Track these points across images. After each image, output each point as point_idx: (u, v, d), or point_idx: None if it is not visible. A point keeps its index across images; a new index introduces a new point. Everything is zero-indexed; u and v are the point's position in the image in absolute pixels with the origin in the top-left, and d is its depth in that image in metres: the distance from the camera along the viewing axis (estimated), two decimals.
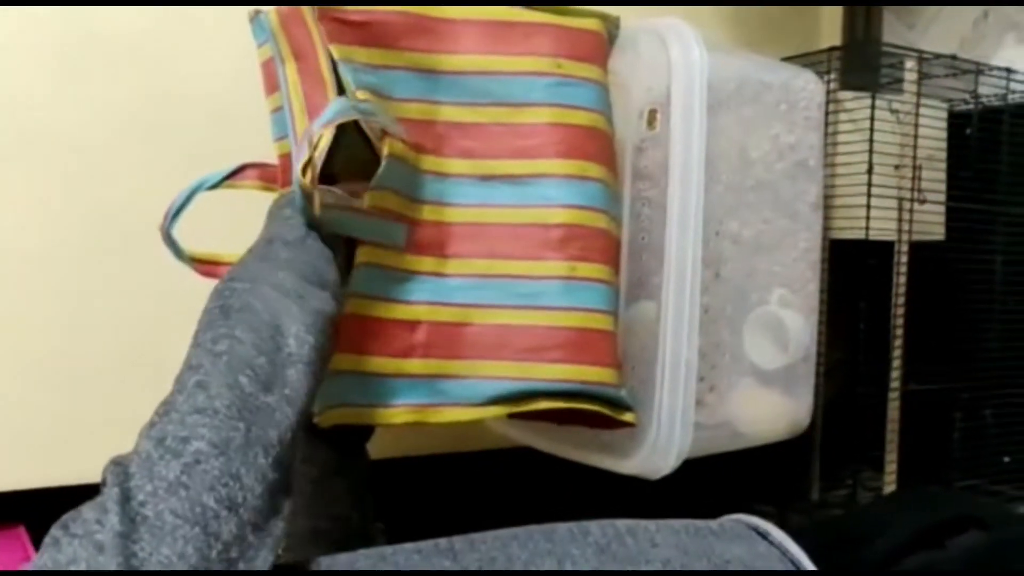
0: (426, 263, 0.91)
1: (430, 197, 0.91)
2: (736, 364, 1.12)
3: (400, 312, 0.89)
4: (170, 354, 1.13)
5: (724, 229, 1.10)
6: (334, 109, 0.84)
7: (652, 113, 1.05)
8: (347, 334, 0.86)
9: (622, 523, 0.79)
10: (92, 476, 1.08)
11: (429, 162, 0.92)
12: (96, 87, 1.10)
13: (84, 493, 1.07)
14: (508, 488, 1.40)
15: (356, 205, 0.86)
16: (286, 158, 1.00)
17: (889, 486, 1.24)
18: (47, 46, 1.08)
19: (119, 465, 0.58)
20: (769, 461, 1.25)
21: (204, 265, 1.01)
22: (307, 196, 0.81)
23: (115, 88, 1.11)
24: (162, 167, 1.13)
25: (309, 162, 0.80)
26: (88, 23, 1.10)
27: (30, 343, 1.07)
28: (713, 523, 0.83)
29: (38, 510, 1.09)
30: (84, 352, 1.10)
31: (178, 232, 0.93)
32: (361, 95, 0.86)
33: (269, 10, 0.96)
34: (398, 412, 0.89)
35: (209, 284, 1.00)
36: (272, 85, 1.00)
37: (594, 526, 0.78)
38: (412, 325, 0.89)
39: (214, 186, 0.95)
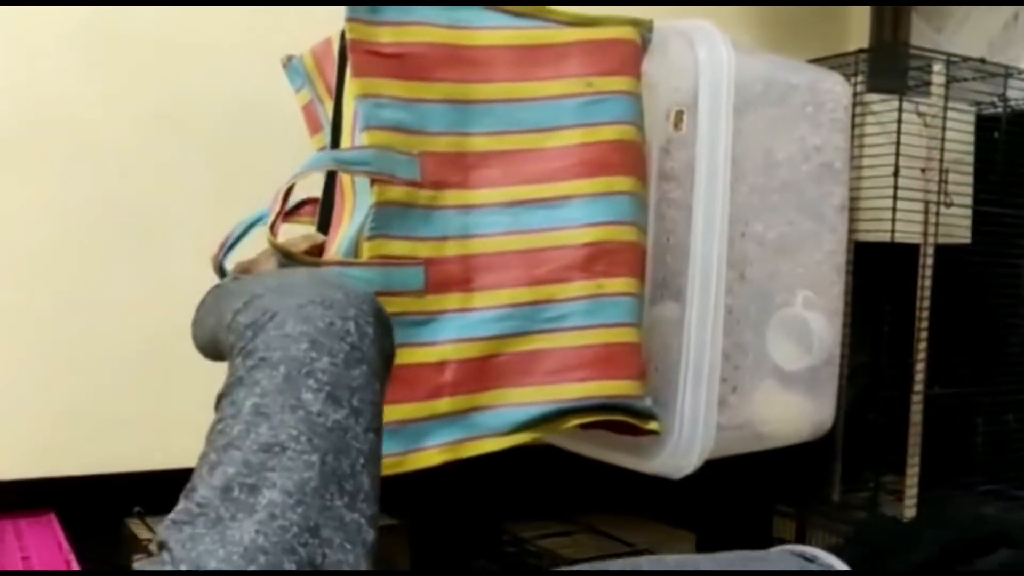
0: (451, 300, 0.90)
1: (453, 232, 0.90)
2: (759, 365, 1.12)
3: (425, 355, 0.88)
4: (193, 351, 1.16)
5: (749, 230, 1.10)
6: (309, 162, 0.84)
7: (679, 114, 1.06)
8: None
9: (672, 559, 0.79)
10: (119, 465, 1.11)
11: (453, 196, 0.90)
12: (120, 83, 1.12)
13: (112, 481, 1.10)
14: (533, 484, 1.40)
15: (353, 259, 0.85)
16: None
17: (911, 489, 1.24)
18: (72, 42, 1.10)
19: (180, 525, 0.52)
20: (790, 462, 1.26)
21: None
22: (283, 252, 0.81)
23: (139, 84, 1.13)
24: (186, 161, 1.14)
25: (276, 218, 0.80)
26: (114, 20, 1.12)
27: (59, 336, 1.09)
28: (761, 552, 0.83)
29: (68, 497, 1.12)
30: (114, 345, 1.12)
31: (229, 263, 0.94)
32: (370, 137, 0.85)
33: (303, 54, 0.96)
34: (432, 454, 0.89)
35: None
36: (315, 126, 1.01)
37: (644, 562, 0.77)
38: (439, 366, 0.89)
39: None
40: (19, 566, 0.94)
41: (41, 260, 1.08)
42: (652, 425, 0.97)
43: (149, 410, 1.13)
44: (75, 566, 0.94)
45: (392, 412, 0.86)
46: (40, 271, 1.08)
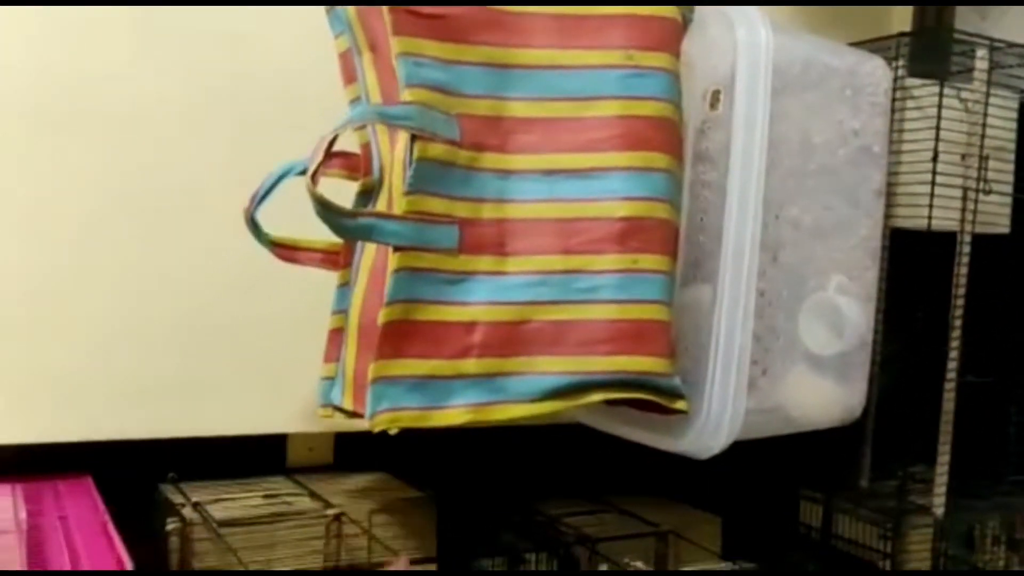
0: (484, 263, 0.91)
1: (490, 195, 0.92)
2: (790, 349, 1.12)
3: (456, 314, 0.90)
4: (234, 317, 1.17)
5: (784, 214, 1.10)
6: (352, 114, 0.85)
7: (715, 94, 1.05)
8: (399, 340, 0.88)
9: None
10: (158, 431, 1.13)
11: (491, 160, 0.92)
12: (171, 56, 1.13)
13: (147, 447, 1.12)
14: (560, 463, 1.41)
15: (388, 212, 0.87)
16: (366, 148, 1.02)
17: (940, 478, 1.24)
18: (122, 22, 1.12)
19: None
20: (819, 447, 1.26)
21: (282, 249, 1.05)
22: (321, 203, 0.82)
23: (189, 60, 1.14)
24: (230, 136, 1.16)
25: (317, 168, 0.81)
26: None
27: (99, 302, 1.11)
28: None
29: (104, 461, 1.14)
30: (154, 313, 1.13)
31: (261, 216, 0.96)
32: (412, 94, 0.86)
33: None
34: (456, 413, 0.90)
35: (283, 266, 1.05)
36: (350, 76, 1.02)
37: None
38: (469, 327, 0.90)
39: (301, 173, 0.97)
40: (57, 526, 0.97)
41: (86, 229, 1.10)
42: (679, 404, 0.97)
43: (185, 378, 1.14)
44: (111, 529, 0.96)
45: (419, 367, 0.88)
46: (85, 239, 1.10)
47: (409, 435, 1.26)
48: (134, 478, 1.13)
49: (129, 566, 0.86)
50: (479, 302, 0.91)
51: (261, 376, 1.18)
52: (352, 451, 1.30)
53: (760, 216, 1.02)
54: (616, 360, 0.93)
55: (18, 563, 0.86)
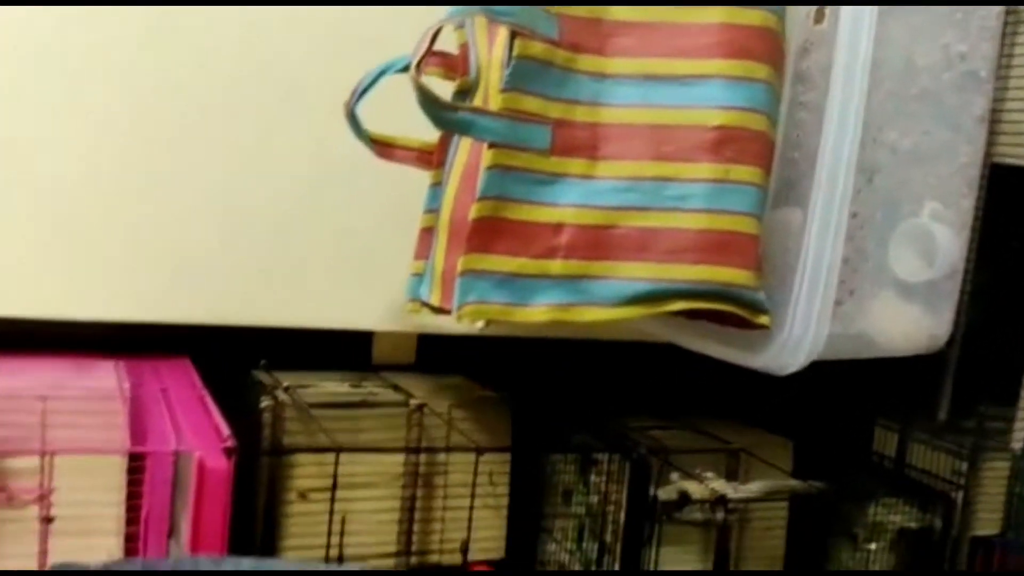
0: (575, 165, 0.92)
1: (585, 98, 0.92)
2: (879, 274, 1.10)
3: (544, 215, 0.91)
4: (331, 213, 1.21)
5: (882, 137, 1.08)
6: (455, 9, 0.86)
7: (820, 11, 1.03)
8: (488, 236, 0.89)
9: None
10: (253, 318, 1.18)
11: (588, 62, 0.92)
12: None
13: (243, 334, 1.17)
14: (637, 379, 1.43)
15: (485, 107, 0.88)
16: (464, 48, 1.04)
17: (1020, 422, 1.22)
18: None
19: None
20: (899, 376, 1.25)
21: (380, 145, 1.07)
22: (423, 93, 0.84)
23: None
24: (322, 19, 1.18)
25: (422, 58, 0.83)
26: None
27: (203, 190, 1.15)
28: None
29: (202, 344, 1.20)
30: (254, 204, 1.17)
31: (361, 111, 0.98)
32: None
33: None
34: (539, 311, 0.92)
35: (378, 164, 1.08)
36: None
37: None
38: (556, 228, 0.91)
39: (401, 70, 0.99)
40: (158, 397, 1.03)
41: (192, 118, 1.14)
42: (762, 319, 0.98)
43: (282, 270, 1.19)
44: (209, 402, 1.02)
45: (506, 263, 0.91)
46: (190, 128, 1.14)
47: (489, 340, 1.30)
48: (228, 363, 1.18)
49: (227, 433, 0.91)
50: (568, 204, 0.92)
51: (353, 273, 1.22)
52: (433, 353, 1.34)
53: (858, 138, 1.01)
54: (702, 270, 0.93)
55: (121, 427, 0.92)
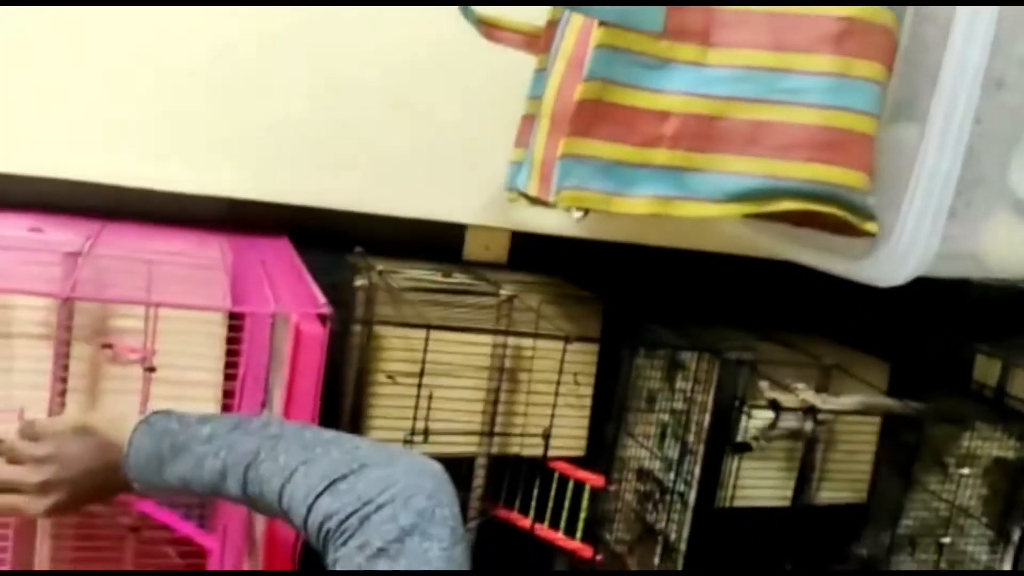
0: (687, 51, 0.89)
1: None
2: (996, 192, 1.05)
3: (651, 101, 0.89)
4: (425, 102, 1.20)
5: (1012, 49, 1.02)
6: None
7: None
8: (591, 120, 0.87)
9: None
10: (350, 203, 1.19)
11: None
12: None
13: (339, 219, 1.19)
14: (730, 289, 1.41)
15: None
16: None
17: None
18: None
19: None
20: (1004, 302, 1.20)
21: (487, 27, 1.06)
22: None
23: None
24: None
25: None
26: None
27: (308, 74, 1.16)
28: None
29: (300, 224, 1.22)
30: (356, 88, 1.18)
31: None
32: None
33: None
34: (639, 202, 0.90)
35: (480, 53, 1.06)
36: None
37: None
38: (663, 115, 0.89)
39: None
40: (259, 269, 1.05)
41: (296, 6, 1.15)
42: (870, 226, 0.94)
43: (381, 156, 1.20)
44: (307, 277, 1.04)
45: (607, 150, 0.89)
46: (295, 16, 1.15)
47: (581, 243, 1.29)
48: (324, 246, 1.20)
49: (322, 301, 0.93)
50: (676, 91, 0.89)
51: (450, 165, 1.22)
52: (525, 253, 1.34)
53: (987, 46, 0.95)
54: (812, 168, 0.90)
55: (223, 290, 0.95)
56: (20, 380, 0.93)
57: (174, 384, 0.94)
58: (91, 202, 1.13)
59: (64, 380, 0.90)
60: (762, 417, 1.11)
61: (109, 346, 0.96)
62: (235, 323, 0.93)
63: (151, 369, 0.90)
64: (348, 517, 0.64)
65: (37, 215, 1.09)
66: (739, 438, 1.10)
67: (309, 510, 0.66)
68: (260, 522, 0.92)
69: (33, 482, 0.77)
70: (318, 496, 0.66)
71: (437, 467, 0.70)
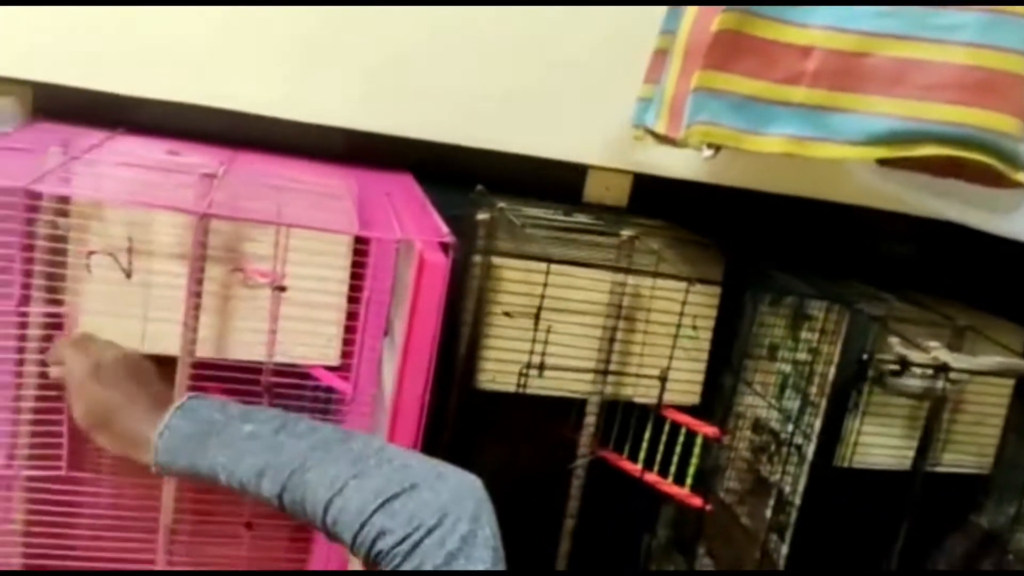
0: None
1: None
2: None
3: (793, 35, 0.85)
4: (550, 39, 1.19)
5: None
6: None
7: None
8: (728, 52, 0.85)
9: None
10: (472, 139, 1.19)
11: None
12: None
13: (463, 155, 1.19)
14: (860, 243, 1.36)
15: None
16: None
17: None
18: None
19: None
20: None
21: None
22: None
23: None
24: None
25: None
26: None
27: (436, 10, 1.16)
28: None
29: (424, 160, 1.23)
30: (482, 24, 1.17)
31: None
32: None
33: None
34: (774, 141, 0.88)
35: None
36: None
37: None
38: (804, 51, 0.85)
39: None
40: (384, 200, 1.06)
41: None
42: (1020, 176, 0.89)
43: (503, 93, 1.19)
44: (430, 209, 1.05)
45: (743, 85, 0.86)
46: None
47: (704, 189, 1.26)
48: (446, 182, 1.21)
49: (445, 231, 0.93)
50: (820, 26, 0.86)
51: (574, 103, 1.20)
52: (646, 197, 1.32)
53: None
54: (960, 111, 0.85)
55: (350, 215, 0.96)
56: (156, 298, 0.97)
57: (300, 305, 0.96)
58: (224, 129, 1.16)
59: (198, 297, 0.93)
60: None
61: (240, 270, 1.00)
62: (360, 248, 0.95)
63: (281, 288, 0.92)
64: (401, 541, 0.67)
65: (174, 140, 1.12)
66: (865, 391, 1.07)
67: (362, 526, 0.69)
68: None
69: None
70: (372, 514, 0.69)
71: (478, 484, 0.72)
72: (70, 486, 0.94)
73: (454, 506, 0.68)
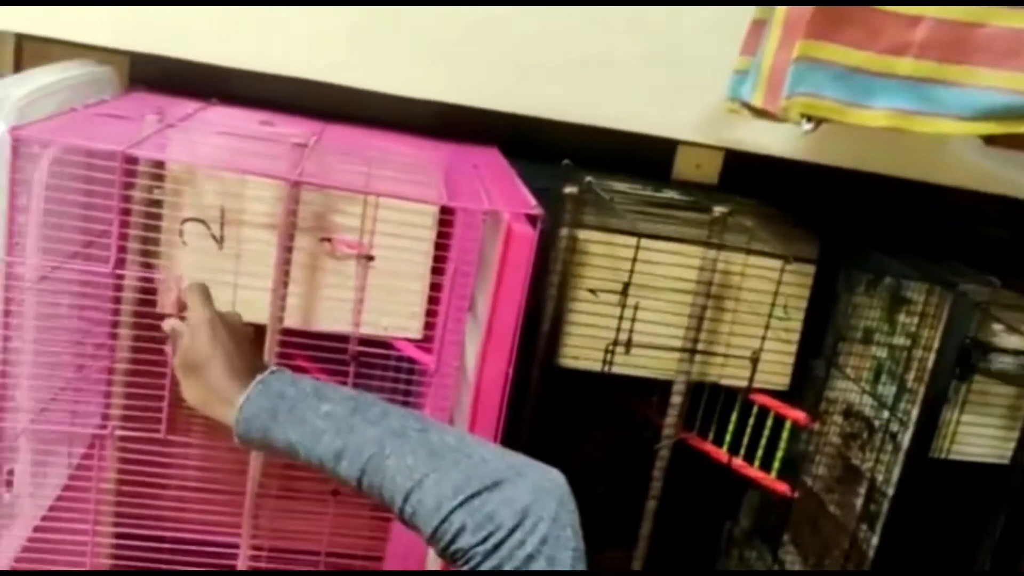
0: None
1: None
2: None
3: (900, 5, 0.81)
4: (641, 12, 1.16)
5: None
6: None
7: None
8: (831, 22, 0.81)
9: None
10: (559, 112, 1.18)
11: None
12: None
13: (550, 129, 1.17)
14: (960, 227, 1.30)
15: None
16: None
17: None
18: None
19: None
20: None
21: None
22: None
23: None
24: None
25: None
26: None
27: None
28: None
29: (511, 134, 1.22)
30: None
31: None
32: None
33: None
34: (878, 114, 0.84)
35: None
36: None
37: None
38: (913, 20, 0.81)
39: None
40: (471, 172, 1.05)
41: None
42: None
43: (592, 65, 1.17)
44: (517, 182, 1.03)
45: (846, 55, 0.82)
46: None
47: (799, 167, 1.22)
48: (533, 156, 1.20)
49: (533, 203, 0.92)
50: None
51: (664, 77, 1.18)
52: (737, 176, 1.28)
53: None
54: None
55: (437, 186, 0.96)
56: (246, 266, 0.98)
57: (386, 274, 0.96)
58: (316, 101, 1.17)
59: (287, 266, 0.94)
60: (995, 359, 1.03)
61: (327, 239, 1.00)
62: (446, 218, 0.94)
63: (369, 258, 0.93)
64: (482, 541, 0.66)
65: (267, 111, 1.14)
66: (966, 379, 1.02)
67: (442, 521, 0.68)
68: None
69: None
70: (452, 510, 0.68)
71: (560, 480, 0.70)
72: (162, 448, 0.96)
73: (535, 506, 0.67)
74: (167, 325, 0.82)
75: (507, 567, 0.65)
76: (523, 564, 0.65)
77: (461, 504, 0.68)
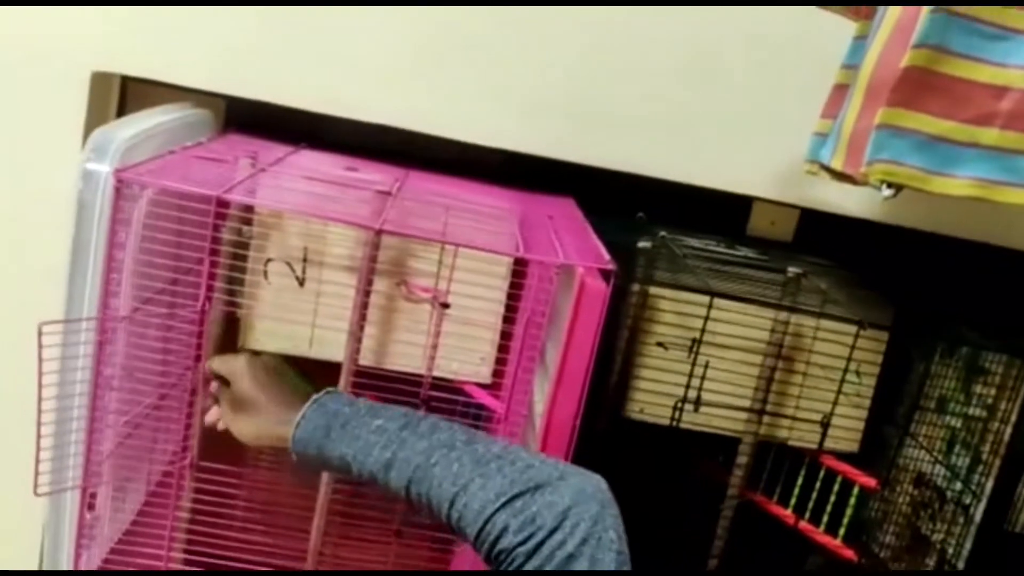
0: None
1: None
2: None
3: (987, 75, 0.80)
4: (719, 70, 1.17)
5: None
6: None
7: None
8: (916, 90, 0.81)
9: None
10: (635, 166, 1.19)
11: None
12: None
13: (626, 182, 1.18)
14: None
15: None
16: None
17: None
18: None
19: None
20: None
21: None
22: None
23: None
24: None
25: None
26: None
27: (598, 28, 1.16)
28: None
29: (586, 186, 1.23)
30: (647, 49, 1.16)
31: None
32: None
33: None
34: (961, 183, 0.83)
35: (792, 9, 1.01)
36: None
37: None
38: (999, 92, 0.81)
39: None
40: (546, 224, 1.07)
41: None
42: None
43: (670, 121, 1.18)
44: (591, 234, 1.05)
45: (930, 124, 0.82)
46: None
47: (875, 228, 1.21)
48: (607, 209, 1.21)
49: (607, 258, 0.93)
50: (1018, 66, 0.81)
51: (743, 133, 1.18)
52: (812, 234, 1.28)
53: None
54: None
55: (511, 237, 0.97)
56: (325, 306, 1.01)
57: (459, 320, 0.98)
58: (398, 147, 1.20)
59: (365, 308, 0.96)
60: None
61: (404, 283, 1.03)
62: (519, 269, 0.96)
63: (445, 305, 0.95)
64: (523, 541, 0.67)
65: (351, 156, 1.17)
66: None
67: (485, 523, 0.69)
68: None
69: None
70: (495, 511, 0.69)
71: (603, 485, 0.71)
72: (235, 479, 0.99)
73: (576, 508, 0.68)
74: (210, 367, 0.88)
75: (548, 567, 0.66)
76: (564, 564, 0.66)
77: (503, 506, 0.69)
